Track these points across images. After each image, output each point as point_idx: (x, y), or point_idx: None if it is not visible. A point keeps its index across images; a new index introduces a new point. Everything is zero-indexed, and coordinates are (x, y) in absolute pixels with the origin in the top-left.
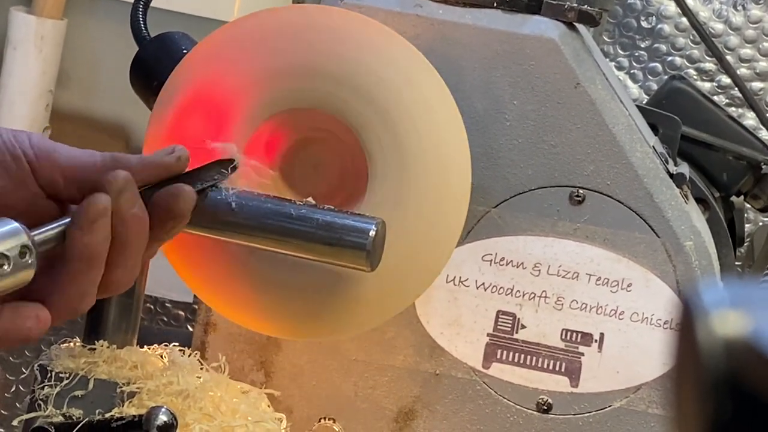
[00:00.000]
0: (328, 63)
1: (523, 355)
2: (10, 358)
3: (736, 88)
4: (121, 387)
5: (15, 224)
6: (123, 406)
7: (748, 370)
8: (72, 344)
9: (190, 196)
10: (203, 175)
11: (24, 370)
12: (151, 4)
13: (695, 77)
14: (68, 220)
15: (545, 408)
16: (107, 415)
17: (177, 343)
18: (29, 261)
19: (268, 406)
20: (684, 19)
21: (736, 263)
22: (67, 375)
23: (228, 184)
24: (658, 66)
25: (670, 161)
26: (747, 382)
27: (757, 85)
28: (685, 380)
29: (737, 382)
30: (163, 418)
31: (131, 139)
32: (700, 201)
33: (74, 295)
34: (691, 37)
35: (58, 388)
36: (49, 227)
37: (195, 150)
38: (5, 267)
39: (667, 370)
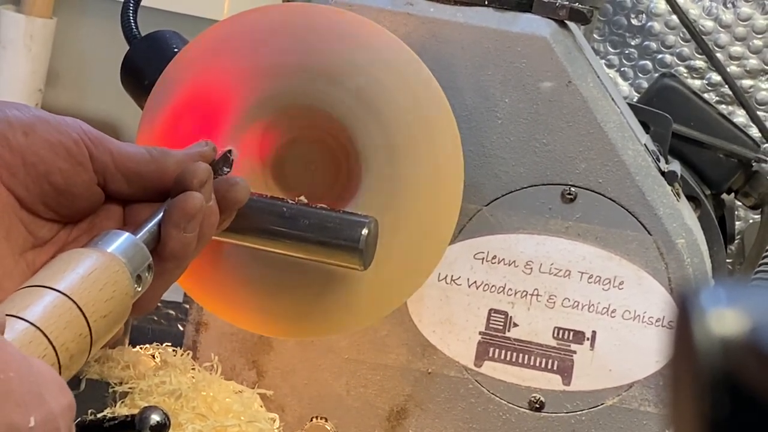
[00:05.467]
0: (320, 62)
1: (515, 354)
2: None
3: (727, 86)
4: (113, 387)
5: (134, 238)
6: (115, 406)
7: (745, 369)
8: None
9: (244, 186)
10: (216, 168)
11: None
12: (142, 3)
13: (685, 75)
14: (157, 219)
15: (537, 406)
16: (99, 416)
17: (168, 343)
18: (150, 278)
19: (261, 405)
20: (674, 17)
21: (727, 261)
22: None
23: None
24: (649, 64)
25: (662, 159)
26: (744, 381)
27: (747, 82)
28: (682, 379)
29: (734, 381)
30: (155, 418)
31: (121, 138)
32: (692, 199)
33: (156, 295)
34: (681, 35)
35: None
36: (146, 229)
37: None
38: (139, 289)
39: (659, 368)
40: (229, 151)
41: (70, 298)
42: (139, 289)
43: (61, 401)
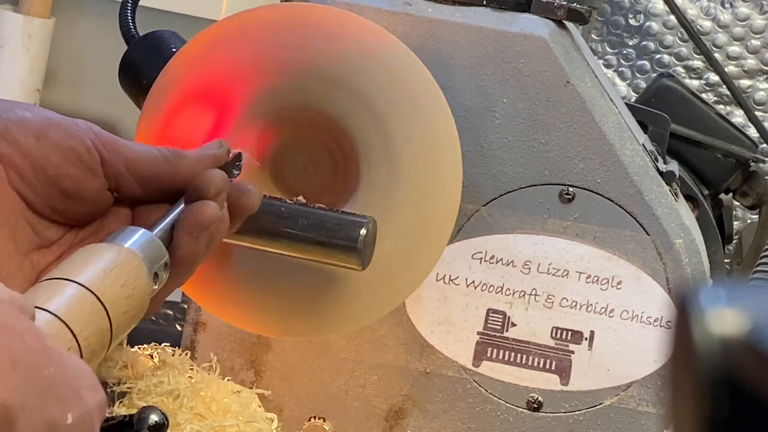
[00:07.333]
0: (318, 61)
1: (513, 354)
2: None
3: (725, 86)
4: (111, 387)
5: (151, 234)
6: (113, 406)
7: (745, 368)
8: None
9: (257, 194)
10: (226, 171)
11: None
12: (140, 3)
13: (683, 75)
14: (170, 219)
15: (535, 406)
16: None
17: (167, 343)
18: (165, 276)
19: (259, 405)
20: (672, 17)
21: (725, 261)
22: None
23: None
24: (647, 64)
25: (660, 159)
26: (744, 380)
27: (745, 82)
28: (681, 379)
29: (734, 381)
30: (154, 418)
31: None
32: (690, 199)
33: (162, 297)
34: (679, 35)
35: None
36: (160, 227)
37: (187, 148)
38: (156, 287)
39: (658, 368)
40: (240, 154)
41: (93, 293)
42: (156, 287)
43: (96, 398)
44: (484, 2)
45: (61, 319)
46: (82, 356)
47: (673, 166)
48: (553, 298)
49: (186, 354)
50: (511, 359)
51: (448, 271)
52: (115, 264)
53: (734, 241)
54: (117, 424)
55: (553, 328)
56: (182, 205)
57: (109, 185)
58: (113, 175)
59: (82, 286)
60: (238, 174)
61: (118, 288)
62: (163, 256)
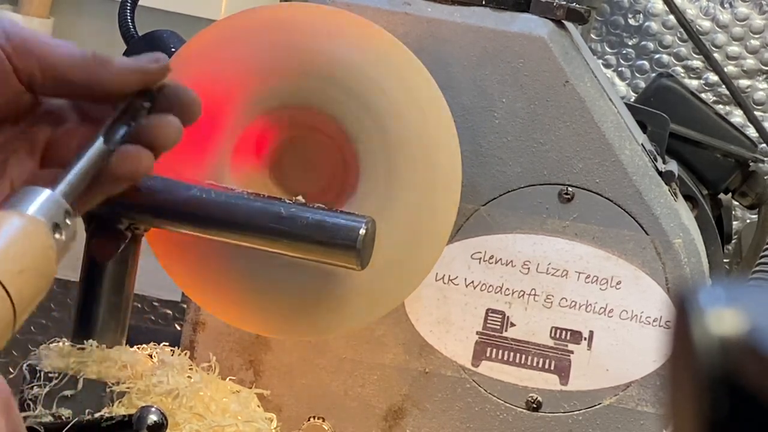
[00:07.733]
0: (317, 61)
1: (512, 353)
2: None
3: (724, 86)
4: (110, 387)
5: (54, 194)
6: (113, 406)
7: (745, 368)
8: (61, 344)
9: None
10: (137, 103)
11: (12, 370)
12: (139, 3)
13: (683, 75)
14: (81, 166)
15: (534, 406)
16: (97, 415)
17: (166, 343)
18: (70, 223)
19: (258, 405)
20: (671, 17)
21: (724, 261)
22: (57, 375)
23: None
24: (646, 64)
25: (659, 159)
26: (744, 380)
27: (744, 82)
28: (681, 379)
29: (734, 381)
30: (153, 417)
31: None
32: (689, 198)
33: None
34: (679, 35)
35: (47, 388)
36: (66, 180)
37: (186, 147)
38: (62, 237)
39: (657, 367)
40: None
41: None
42: (61, 237)
43: None
44: (483, 2)
45: None
46: None
47: (672, 166)
48: (552, 298)
49: (185, 354)
50: (511, 359)
51: (447, 270)
52: (11, 234)
53: (733, 241)
54: (116, 424)
55: (552, 328)
56: (100, 140)
57: (26, 89)
58: (27, 79)
59: None
60: (150, 105)
61: (14, 261)
62: (63, 207)
